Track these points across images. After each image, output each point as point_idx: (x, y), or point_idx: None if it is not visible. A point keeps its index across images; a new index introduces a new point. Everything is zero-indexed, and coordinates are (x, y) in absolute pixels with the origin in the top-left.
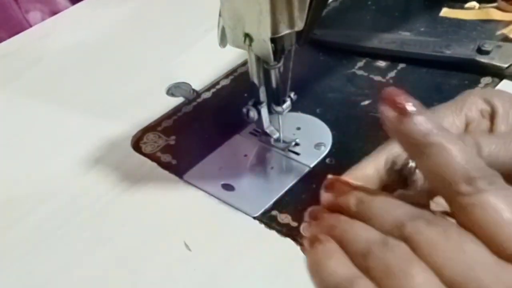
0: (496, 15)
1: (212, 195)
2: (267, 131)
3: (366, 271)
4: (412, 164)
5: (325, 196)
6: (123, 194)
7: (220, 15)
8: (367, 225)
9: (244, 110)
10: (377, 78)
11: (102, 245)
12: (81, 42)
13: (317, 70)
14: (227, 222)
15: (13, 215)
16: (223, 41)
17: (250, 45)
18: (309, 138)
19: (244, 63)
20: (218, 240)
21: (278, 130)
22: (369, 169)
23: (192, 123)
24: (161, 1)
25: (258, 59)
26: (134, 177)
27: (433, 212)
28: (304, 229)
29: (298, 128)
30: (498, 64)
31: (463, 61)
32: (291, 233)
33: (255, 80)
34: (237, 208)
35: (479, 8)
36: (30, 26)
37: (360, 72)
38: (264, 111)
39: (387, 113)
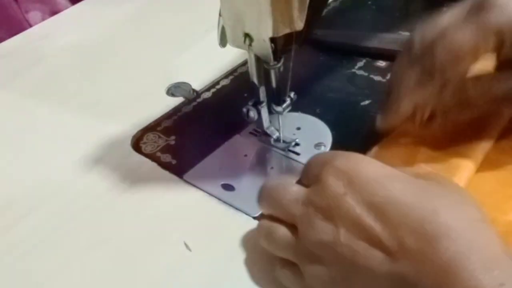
0: None
1: (212, 195)
2: (267, 131)
3: None
4: None
5: None
6: (123, 194)
7: (220, 14)
8: None
9: (244, 110)
10: (377, 78)
11: (102, 245)
12: (81, 42)
13: (317, 70)
14: (227, 222)
15: (13, 215)
16: (223, 40)
17: (250, 45)
18: (309, 138)
19: (244, 63)
20: (218, 240)
21: (278, 130)
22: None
23: (192, 123)
24: (161, 1)
25: (258, 59)
26: (134, 177)
27: None
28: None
29: (298, 128)
30: None
31: None
32: None
33: (255, 80)
34: (237, 208)
35: None
36: (30, 26)
37: (360, 72)
38: (264, 111)
39: None
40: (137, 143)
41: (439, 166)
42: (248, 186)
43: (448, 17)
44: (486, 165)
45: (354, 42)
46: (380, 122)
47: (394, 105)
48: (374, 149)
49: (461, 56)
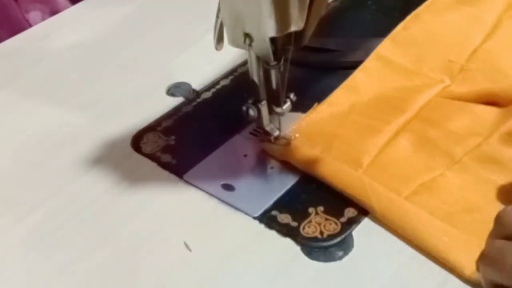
0: None
1: (212, 195)
2: (267, 129)
3: None
4: None
5: None
6: (123, 194)
7: (217, 16)
8: None
9: (244, 108)
10: None
11: (101, 245)
12: (81, 42)
13: (317, 70)
14: (227, 222)
15: (13, 215)
16: (219, 43)
17: (250, 45)
18: None
19: (244, 63)
20: (218, 240)
21: (278, 130)
22: None
23: (192, 123)
24: (161, 1)
25: (258, 59)
26: (134, 177)
27: None
28: None
29: None
30: None
31: None
32: (291, 233)
33: (255, 78)
34: (237, 208)
35: None
36: (30, 26)
37: None
38: (264, 109)
39: None
40: (137, 143)
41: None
42: (248, 186)
43: None
44: (403, 134)
45: (352, 58)
46: None
47: None
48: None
49: None
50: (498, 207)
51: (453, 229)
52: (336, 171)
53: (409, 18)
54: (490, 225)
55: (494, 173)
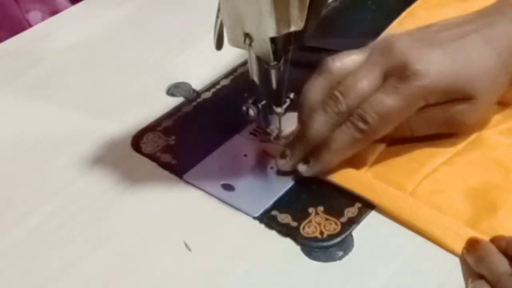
0: None
1: (212, 195)
2: (267, 129)
3: None
4: None
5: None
6: (123, 194)
7: (217, 16)
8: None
9: (244, 108)
10: None
11: (102, 245)
12: (81, 42)
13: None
14: (227, 222)
15: (13, 215)
16: (219, 43)
17: (250, 45)
18: None
19: (244, 63)
20: (218, 240)
21: (278, 130)
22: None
23: (192, 123)
24: (161, 1)
25: (258, 59)
26: (134, 177)
27: None
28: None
29: None
30: None
31: None
32: (291, 233)
33: (255, 79)
34: (237, 208)
35: None
36: (30, 26)
37: None
38: (264, 109)
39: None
40: (137, 143)
41: None
42: (248, 186)
43: (365, 76)
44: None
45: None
46: (306, 171)
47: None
48: None
49: (391, 122)
50: (501, 192)
51: (459, 223)
52: (340, 170)
53: (404, 14)
54: (492, 211)
55: (497, 159)
